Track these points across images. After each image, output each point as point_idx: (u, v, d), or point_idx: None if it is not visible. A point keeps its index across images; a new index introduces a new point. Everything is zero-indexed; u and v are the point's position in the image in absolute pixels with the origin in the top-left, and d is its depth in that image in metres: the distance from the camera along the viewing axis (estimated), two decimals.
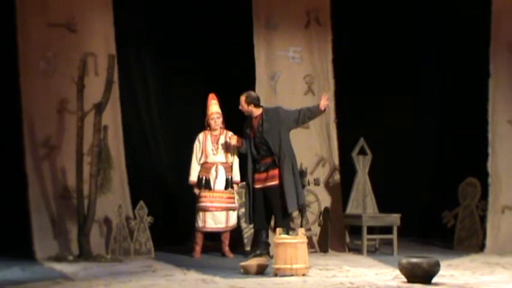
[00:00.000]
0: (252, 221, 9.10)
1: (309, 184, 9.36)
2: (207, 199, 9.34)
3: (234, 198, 9.42)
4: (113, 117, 9.49)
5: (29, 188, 9.14)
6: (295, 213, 9.57)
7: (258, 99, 9.17)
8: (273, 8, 10.09)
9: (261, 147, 9.03)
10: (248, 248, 9.59)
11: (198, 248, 9.37)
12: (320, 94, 10.11)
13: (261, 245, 9.07)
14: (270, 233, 9.09)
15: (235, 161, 9.44)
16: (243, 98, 9.11)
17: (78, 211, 8.93)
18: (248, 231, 9.72)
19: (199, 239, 9.39)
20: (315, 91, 10.14)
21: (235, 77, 10.12)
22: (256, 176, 9.05)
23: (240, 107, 9.11)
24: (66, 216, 9.19)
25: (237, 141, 9.17)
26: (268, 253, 8.95)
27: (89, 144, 9.00)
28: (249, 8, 10.01)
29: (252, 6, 10.01)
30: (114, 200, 9.32)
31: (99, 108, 8.91)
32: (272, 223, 9.12)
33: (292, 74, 10.10)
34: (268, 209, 8.98)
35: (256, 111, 9.12)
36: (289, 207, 8.86)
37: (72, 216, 9.09)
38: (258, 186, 9.05)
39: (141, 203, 9.33)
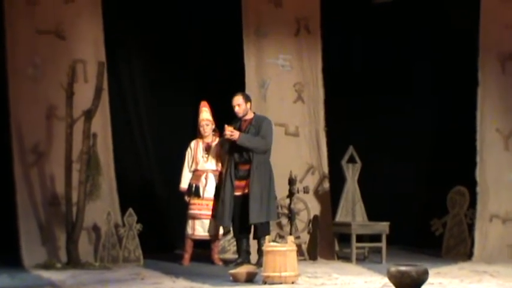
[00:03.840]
0: (225, 223, 9.04)
1: (298, 192, 9.36)
2: (196, 206, 9.34)
3: None
4: (102, 124, 9.47)
5: (17, 195, 9.10)
6: (285, 221, 9.59)
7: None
8: (263, 16, 10.10)
9: (243, 152, 9.03)
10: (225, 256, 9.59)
11: (187, 256, 9.35)
12: (310, 102, 10.15)
13: (242, 254, 9.07)
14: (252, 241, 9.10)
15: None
16: (240, 98, 9.09)
17: (67, 218, 8.90)
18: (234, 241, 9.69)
19: (188, 246, 9.37)
20: (305, 99, 10.15)
21: (225, 85, 10.11)
22: (237, 183, 9.05)
23: (237, 109, 9.07)
24: (55, 223, 9.16)
25: (233, 132, 8.93)
26: (249, 261, 8.95)
27: (78, 151, 8.97)
28: (238, 15, 10.02)
29: (241, 14, 10.02)
30: (103, 207, 9.29)
31: (89, 115, 8.90)
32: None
33: (282, 81, 10.11)
34: (247, 217, 8.95)
35: (250, 113, 9.14)
36: (250, 217, 8.84)
37: (61, 223, 9.06)
38: (238, 193, 9.04)
39: (130, 210, 9.31)
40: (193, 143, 9.49)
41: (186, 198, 9.41)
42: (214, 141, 9.45)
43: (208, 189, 9.33)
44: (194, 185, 9.35)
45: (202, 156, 9.41)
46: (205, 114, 9.44)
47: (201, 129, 9.44)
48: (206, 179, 9.36)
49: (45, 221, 9.17)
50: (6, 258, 9.00)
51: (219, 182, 9.29)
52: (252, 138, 8.96)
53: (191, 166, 9.44)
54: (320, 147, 10.08)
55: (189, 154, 9.46)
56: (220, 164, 9.40)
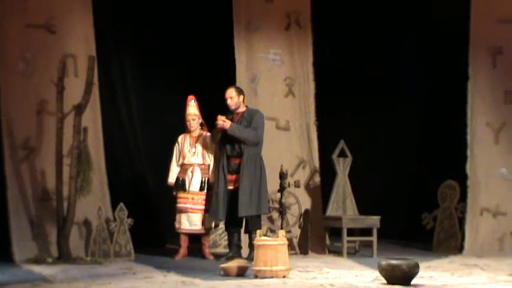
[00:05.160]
0: (219, 217, 9.05)
1: (289, 186, 9.37)
2: (181, 200, 9.36)
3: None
4: (92, 118, 9.45)
5: (7, 190, 9.06)
6: (276, 215, 9.60)
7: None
8: (254, 11, 10.09)
9: (235, 145, 9.03)
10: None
11: (182, 251, 9.36)
12: (300, 96, 10.16)
13: (233, 248, 9.09)
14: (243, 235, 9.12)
15: (212, 162, 9.42)
16: (232, 90, 9.12)
17: (58, 213, 8.89)
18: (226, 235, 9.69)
19: (182, 241, 9.38)
20: (295, 93, 10.16)
21: (216, 79, 10.11)
22: (229, 177, 9.06)
23: (229, 101, 9.08)
24: (46, 218, 9.14)
25: (225, 121, 8.94)
26: (240, 255, 8.96)
27: (69, 145, 8.95)
28: (229, 10, 10.01)
29: (232, 9, 10.01)
30: (94, 202, 9.28)
31: (79, 109, 8.88)
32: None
33: (273, 76, 10.11)
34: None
35: (243, 106, 9.15)
36: (239, 211, 8.87)
37: (52, 218, 9.04)
38: (230, 187, 9.05)
39: (121, 204, 9.30)
40: (180, 138, 9.50)
41: (174, 192, 9.43)
42: (202, 135, 9.45)
43: (194, 182, 9.34)
44: (181, 179, 9.36)
45: (189, 151, 9.42)
46: (191, 109, 9.45)
47: (188, 123, 9.45)
48: (192, 172, 9.37)
49: (36, 216, 9.15)
50: None
51: (213, 176, 9.30)
52: (243, 129, 8.98)
53: (179, 160, 9.45)
54: (311, 141, 10.09)
55: (176, 149, 9.48)
56: (207, 158, 9.40)
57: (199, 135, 9.45)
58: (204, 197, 9.32)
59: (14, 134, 9.21)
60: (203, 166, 9.39)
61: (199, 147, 9.40)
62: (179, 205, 9.35)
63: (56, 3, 9.47)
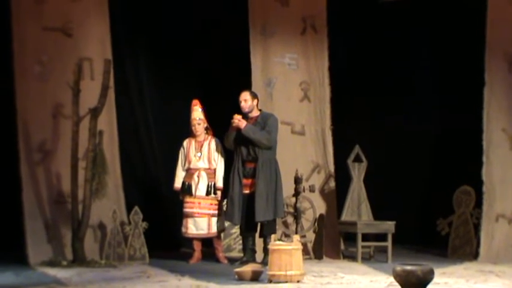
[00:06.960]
0: (235, 221, 9.06)
1: (304, 191, 9.36)
2: (188, 205, 9.38)
3: (217, 204, 9.40)
4: (108, 122, 9.48)
5: (23, 193, 9.10)
6: (290, 220, 9.59)
7: None
8: (269, 15, 10.10)
9: (250, 149, 9.03)
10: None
11: (196, 255, 9.36)
12: (316, 101, 10.15)
13: (248, 252, 9.09)
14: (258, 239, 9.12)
15: (218, 166, 9.42)
16: (247, 93, 9.13)
17: (73, 216, 8.91)
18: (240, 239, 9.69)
19: (195, 245, 9.39)
20: (311, 98, 10.15)
21: (231, 83, 10.12)
22: (244, 181, 9.06)
23: (243, 104, 9.09)
24: (61, 221, 9.18)
25: (240, 120, 8.95)
26: (254, 260, 8.96)
27: (84, 149, 8.99)
28: (245, 14, 10.02)
29: (248, 13, 10.02)
30: (109, 205, 9.31)
31: (95, 113, 8.91)
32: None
33: (288, 80, 10.11)
34: (253, 215, 8.95)
35: (256, 111, 9.15)
36: (256, 215, 8.86)
37: (67, 221, 9.07)
38: (246, 191, 9.05)
39: (136, 208, 9.33)
40: (185, 142, 9.52)
41: (180, 197, 9.43)
42: (207, 139, 9.46)
43: (200, 187, 9.35)
44: (187, 184, 9.37)
45: (195, 155, 9.42)
46: (195, 113, 9.47)
47: (193, 128, 9.46)
48: (199, 177, 9.37)
49: (51, 218, 9.19)
50: (12, 255, 9.02)
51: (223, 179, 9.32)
52: (257, 131, 8.98)
53: (184, 165, 9.46)
54: (326, 146, 10.08)
55: (182, 153, 9.50)
56: (213, 162, 9.40)
57: (205, 140, 9.46)
58: (210, 201, 9.32)
59: (30, 137, 9.26)
60: (209, 170, 9.40)
61: (204, 151, 9.41)
62: (185, 210, 9.37)
63: (72, 6, 9.51)
